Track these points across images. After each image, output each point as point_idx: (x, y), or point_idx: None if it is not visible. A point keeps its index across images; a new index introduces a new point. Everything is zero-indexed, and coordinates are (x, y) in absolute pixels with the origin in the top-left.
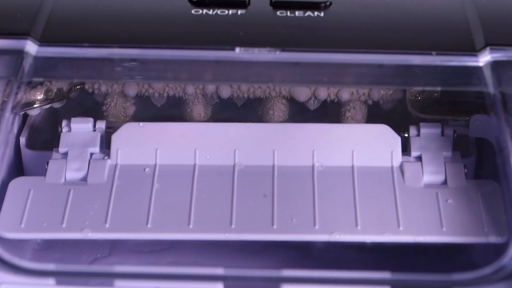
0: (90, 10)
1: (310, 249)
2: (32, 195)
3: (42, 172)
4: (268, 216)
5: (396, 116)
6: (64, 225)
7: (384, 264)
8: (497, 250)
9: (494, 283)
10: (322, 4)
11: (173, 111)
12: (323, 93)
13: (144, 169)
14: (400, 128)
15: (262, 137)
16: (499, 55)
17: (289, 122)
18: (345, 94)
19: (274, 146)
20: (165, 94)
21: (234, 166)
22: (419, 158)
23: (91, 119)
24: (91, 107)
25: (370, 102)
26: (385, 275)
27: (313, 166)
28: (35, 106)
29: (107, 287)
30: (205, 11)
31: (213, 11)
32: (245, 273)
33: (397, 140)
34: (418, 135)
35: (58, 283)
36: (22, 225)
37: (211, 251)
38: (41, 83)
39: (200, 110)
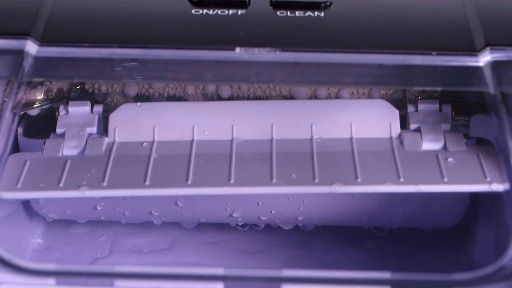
0: (90, 10)
1: (310, 248)
2: (29, 164)
3: None
4: (267, 172)
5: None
6: (61, 185)
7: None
8: (497, 250)
9: (494, 283)
10: (322, 4)
11: None
12: (323, 93)
13: (142, 144)
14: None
15: (260, 113)
16: (499, 55)
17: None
18: (345, 94)
19: (272, 121)
20: (165, 94)
21: (232, 140)
22: (418, 130)
23: (88, 102)
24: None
25: None
26: (385, 275)
27: (311, 139)
28: (35, 106)
29: (107, 287)
30: (205, 11)
31: (213, 11)
32: (245, 273)
33: (395, 113)
34: (416, 111)
35: (58, 283)
36: (19, 185)
37: (211, 252)
38: (41, 83)
39: None
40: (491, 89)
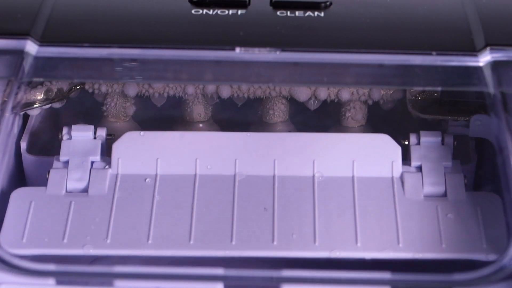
0: (90, 10)
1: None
2: (33, 207)
3: (43, 178)
4: (268, 231)
5: (396, 116)
6: (65, 241)
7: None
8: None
9: (494, 283)
10: (322, 4)
11: (173, 111)
12: (323, 93)
13: (145, 179)
14: (400, 128)
15: (262, 146)
16: (499, 55)
17: (289, 126)
18: (345, 94)
19: (275, 156)
20: (165, 94)
21: (234, 176)
22: (419, 168)
23: (92, 127)
24: (91, 107)
25: (370, 102)
26: (385, 275)
27: (313, 177)
28: (35, 106)
29: (107, 287)
30: (205, 11)
31: (213, 11)
32: (245, 273)
33: (398, 150)
34: (419, 143)
35: (58, 283)
36: (24, 240)
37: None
38: (41, 83)
39: (200, 110)
40: (491, 89)
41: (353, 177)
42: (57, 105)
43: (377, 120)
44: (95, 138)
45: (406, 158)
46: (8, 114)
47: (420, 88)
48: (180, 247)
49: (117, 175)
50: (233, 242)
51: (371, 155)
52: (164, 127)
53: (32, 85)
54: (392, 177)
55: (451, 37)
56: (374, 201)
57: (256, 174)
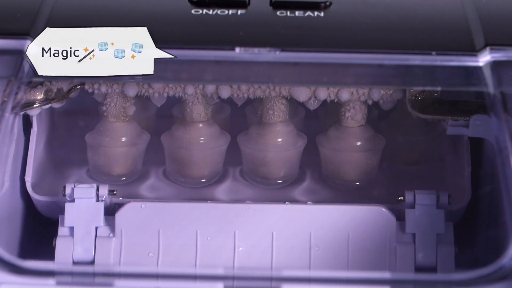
0: (90, 10)
1: None
2: None
3: (52, 208)
4: None
5: (396, 116)
6: None
7: None
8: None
9: (494, 283)
10: (322, 4)
11: (173, 111)
12: (323, 93)
13: (148, 254)
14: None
15: (261, 218)
16: (499, 55)
17: (289, 126)
18: (345, 94)
19: (273, 228)
20: (165, 94)
21: (234, 247)
22: (412, 236)
23: (94, 187)
24: (91, 107)
25: (370, 102)
26: (385, 275)
27: (309, 249)
28: (35, 106)
29: (107, 287)
30: (205, 11)
31: (213, 11)
32: (245, 273)
33: (393, 223)
34: (414, 204)
35: (58, 283)
36: None
37: None
38: (41, 83)
39: (200, 110)
40: (490, 89)
41: (348, 249)
42: (57, 105)
43: (377, 121)
44: (97, 200)
45: (401, 218)
46: (8, 114)
47: (420, 88)
48: None
49: (121, 246)
50: None
51: (366, 228)
52: (164, 127)
53: (32, 85)
54: (386, 249)
55: (451, 37)
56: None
57: (254, 245)
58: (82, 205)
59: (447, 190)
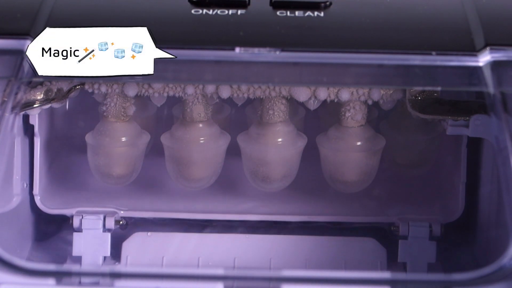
0: (90, 10)
1: None
2: None
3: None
4: None
5: (396, 116)
6: None
7: None
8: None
9: (494, 283)
10: (322, 4)
11: (172, 111)
12: (323, 93)
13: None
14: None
15: (260, 247)
16: (499, 55)
17: (289, 126)
18: (345, 94)
19: (271, 256)
20: (165, 94)
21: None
22: (404, 265)
23: (101, 218)
24: (91, 107)
25: (370, 102)
26: (385, 275)
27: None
28: (35, 106)
29: (107, 287)
30: (205, 11)
31: (213, 11)
32: (245, 273)
33: (383, 252)
34: (407, 235)
35: (58, 283)
36: None
37: None
38: (41, 83)
39: (200, 110)
40: (490, 89)
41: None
42: (57, 105)
43: (377, 122)
44: (104, 230)
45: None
46: (8, 114)
47: (420, 88)
48: None
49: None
50: None
51: (359, 259)
52: (164, 127)
53: (32, 85)
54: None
55: (451, 37)
56: None
57: (254, 273)
58: (89, 236)
59: (441, 199)
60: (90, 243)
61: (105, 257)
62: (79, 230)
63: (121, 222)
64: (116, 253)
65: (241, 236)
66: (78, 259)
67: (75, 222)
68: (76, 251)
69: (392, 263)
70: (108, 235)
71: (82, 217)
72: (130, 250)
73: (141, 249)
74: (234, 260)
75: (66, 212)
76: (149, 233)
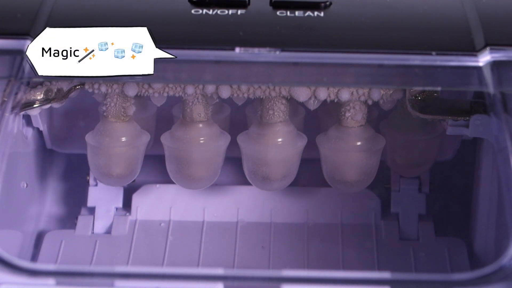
0: (90, 10)
1: None
2: (64, 245)
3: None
4: (265, 264)
5: (396, 116)
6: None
7: None
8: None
9: (494, 283)
10: (322, 4)
11: (172, 111)
12: (323, 93)
13: (160, 224)
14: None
15: (261, 198)
16: (499, 55)
17: (289, 126)
18: (345, 94)
19: (272, 206)
20: (165, 94)
21: (237, 222)
22: (396, 215)
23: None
24: (91, 107)
25: (370, 102)
26: (385, 275)
27: (306, 223)
28: (35, 106)
29: (107, 287)
30: (205, 11)
31: (213, 11)
32: (245, 273)
33: (377, 203)
34: (399, 190)
35: (58, 283)
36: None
37: None
38: (41, 83)
39: (200, 110)
40: (490, 89)
41: (340, 225)
42: (57, 105)
43: (377, 122)
44: None
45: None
46: (8, 114)
47: (420, 88)
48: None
49: (136, 220)
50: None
51: (355, 206)
52: (164, 127)
53: (32, 85)
54: (372, 224)
55: (451, 37)
56: (357, 242)
57: (255, 221)
58: (104, 189)
59: None
60: (104, 195)
61: (116, 208)
62: (95, 184)
63: (133, 180)
64: (126, 204)
65: (245, 188)
66: (92, 210)
67: (91, 180)
68: (90, 202)
69: (385, 213)
70: (121, 190)
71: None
72: (140, 201)
73: (150, 201)
74: (237, 210)
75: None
76: (157, 185)
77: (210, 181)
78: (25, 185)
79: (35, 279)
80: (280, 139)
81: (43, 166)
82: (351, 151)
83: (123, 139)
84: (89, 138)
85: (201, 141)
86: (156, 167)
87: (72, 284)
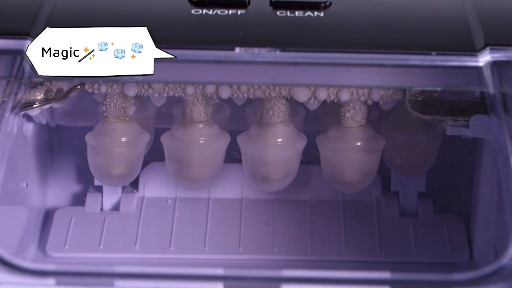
0: (90, 10)
1: None
2: (74, 221)
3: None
4: (269, 241)
5: (396, 116)
6: (101, 247)
7: None
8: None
9: (494, 283)
10: (322, 4)
11: (172, 111)
12: (323, 93)
13: (167, 201)
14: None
15: None
16: (499, 55)
17: (289, 126)
18: (345, 94)
19: None
20: (165, 94)
21: (241, 199)
22: (396, 194)
23: None
24: (91, 107)
25: (370, 102)
26: (385, 275)
27: (308, 200)
28: (35, 106)
29: (107, 287)
30: (205, 11)
31: (213, 11)
32: (245, 273)
33: (378, 180)
34: None
35: (58, 283)
36: (66, 247)
37: None
38: (41, 83)
39: (200, 110)
40: (490, 89)
41: (342, 201)
42: (57, 105)
43: (377, 122)
44: None
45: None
46: (8, 114)
47: (420, 88)
48: (196, 253)
49: (143, 197)
50: (240, 249)
51: None
52: (164, 127)
53: (32, 85)
54: (373, 201)
55: (451, 37)
56: (358, 219)
57: (259, 198)
58: None
59: None
60: None
61: (123, 185)
62: None
63: None
64: (134, 181)
65: None
66: (99, 188)
67: None
68: (97, 181)
69: (385, 191)
70: None
71: None
72: (147, 179)
73: (157, 178)
74: (242, 187)
75: None
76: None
77: (210, 181)
78: (25, 185)
79: (35, 279)
80: (280, 140)
81: (43, 166)
82: (351, 152)
83: (123, 139)
84: (89, 138)
85: (201, 141)
86: None
87: (72, 284)
